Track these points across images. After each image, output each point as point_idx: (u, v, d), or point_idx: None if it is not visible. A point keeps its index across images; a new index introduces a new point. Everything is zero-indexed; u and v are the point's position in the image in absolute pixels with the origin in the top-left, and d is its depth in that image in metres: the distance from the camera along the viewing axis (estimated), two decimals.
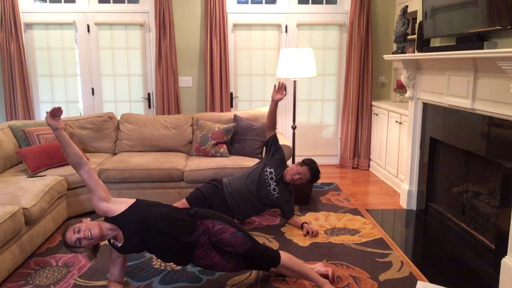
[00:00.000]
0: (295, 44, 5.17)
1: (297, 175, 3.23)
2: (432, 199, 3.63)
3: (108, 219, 2.34)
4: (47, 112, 2.32)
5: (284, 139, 4.25)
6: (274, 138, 3.38)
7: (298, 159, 5.44)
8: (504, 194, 2.56)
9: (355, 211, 3.75)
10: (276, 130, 3.66)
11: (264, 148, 3.46)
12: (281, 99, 3.32)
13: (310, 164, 3.30)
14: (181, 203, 3.18)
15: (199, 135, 4.12)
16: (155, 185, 3.75)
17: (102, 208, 2.33)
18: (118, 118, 4.70)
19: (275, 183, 3.25)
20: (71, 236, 2.18)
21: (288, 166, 3.36)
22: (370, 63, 5.01)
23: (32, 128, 3.78)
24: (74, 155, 2.33)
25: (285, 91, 4.80)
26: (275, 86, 3.37)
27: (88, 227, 2.19)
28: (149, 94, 5.22)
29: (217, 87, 4.99)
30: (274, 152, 3.35)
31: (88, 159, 3.84)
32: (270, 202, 3.29)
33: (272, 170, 3.27)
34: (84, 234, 2.16)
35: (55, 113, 2.33)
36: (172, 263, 2.76)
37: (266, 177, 3.25)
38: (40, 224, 2.99)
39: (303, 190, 3.85)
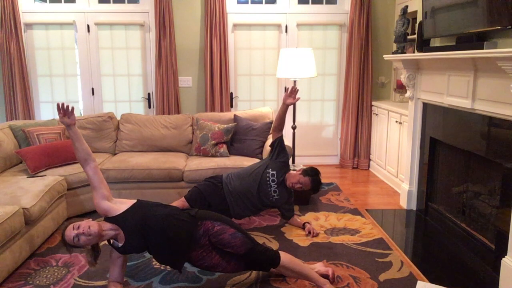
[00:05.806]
0: (295, 44, 5.17)
1: (298, 184, 3.16)
2: (432, 199, 3.62)
3: (108, 219, 2.34)
4: (59, 112, 2.43)
5: (284, 139, 4.25)
6: (280, 140, 3.34)
7: (298, 159, 5.48)
8: (504, 194, 2.56)
9: (355, 211, 3.75)
10: None
11: (270, 148, 3.42)
12: (292, 103, 3.27)
13: (313, 175, 3.19)
14: (181, 202, 3.17)
15: (199, 135, 4.12)
16: (155, 185, 3.75)
17: (103, 207, 2.35)
18: (118, 118, 4.70)
19: (276, 185, 3.24)
20: (70, 233, 2.20)
21: (290, 169, 3.34)
22: (370, 63, 5.01)
23: (32, 128, 3.78)
24: (83, 150, 2.43)
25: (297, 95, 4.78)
26: (287, 89, 3.29)
27: (88, 224, 2.21)
28: (149, 94, 5.22)
29: (217, 87, 4.99)
30: (278, 154, 3.31)
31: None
32: (269, 203, 3.28)
33: (274, 172, 3.24)
34: (83, 230, 2.18)
35: (66, 112, 2.44)
36: None
37: (268, 178, 3.24)
38: (40, 224, 2.99)
39: (303, 190, 3.83)
